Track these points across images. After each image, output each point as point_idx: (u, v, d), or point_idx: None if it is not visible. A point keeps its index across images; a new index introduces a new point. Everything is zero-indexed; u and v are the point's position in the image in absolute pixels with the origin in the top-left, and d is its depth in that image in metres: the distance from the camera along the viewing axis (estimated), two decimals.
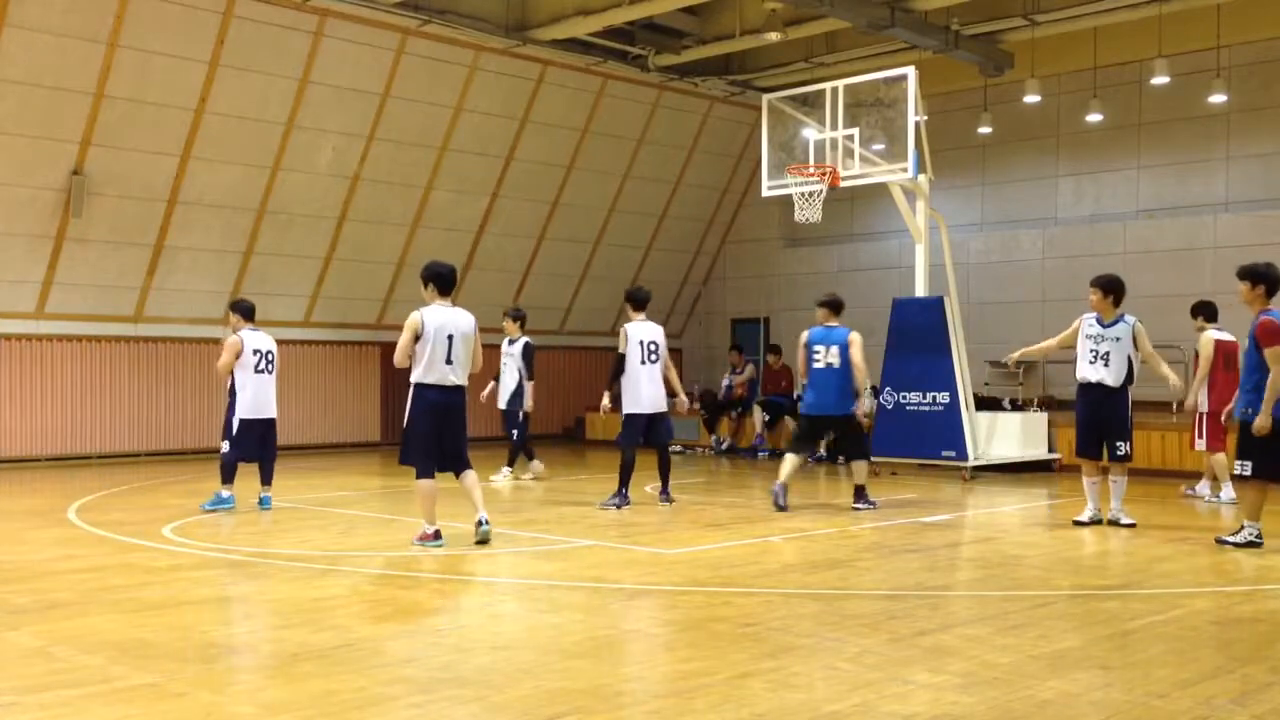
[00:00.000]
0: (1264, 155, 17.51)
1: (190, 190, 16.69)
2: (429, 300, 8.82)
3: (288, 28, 16.28)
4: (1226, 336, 11.72)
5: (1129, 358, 9.87)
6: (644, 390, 11.25)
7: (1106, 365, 9.85)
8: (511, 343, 13.74)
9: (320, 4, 16.03)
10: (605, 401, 11.95)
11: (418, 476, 8.68)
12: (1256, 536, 8.72)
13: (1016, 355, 11.02)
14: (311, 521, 10.35)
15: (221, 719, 4.60)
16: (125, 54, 15.27)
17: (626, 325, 11.48)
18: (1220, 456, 11.62)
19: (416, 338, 8.56)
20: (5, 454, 16.20)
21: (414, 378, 8.57)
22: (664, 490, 11.57)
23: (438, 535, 8.65)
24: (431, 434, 8.59)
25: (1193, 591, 7.30)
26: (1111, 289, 10.00)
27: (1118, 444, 9.91)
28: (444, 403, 8.60)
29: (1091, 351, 9.93)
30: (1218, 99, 16.88)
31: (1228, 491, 11.62)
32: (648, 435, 11.38)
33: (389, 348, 19.85)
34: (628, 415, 11.31)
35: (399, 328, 18.68)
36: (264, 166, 17.15)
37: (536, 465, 14.02)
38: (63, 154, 15.56)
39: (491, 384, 14.12)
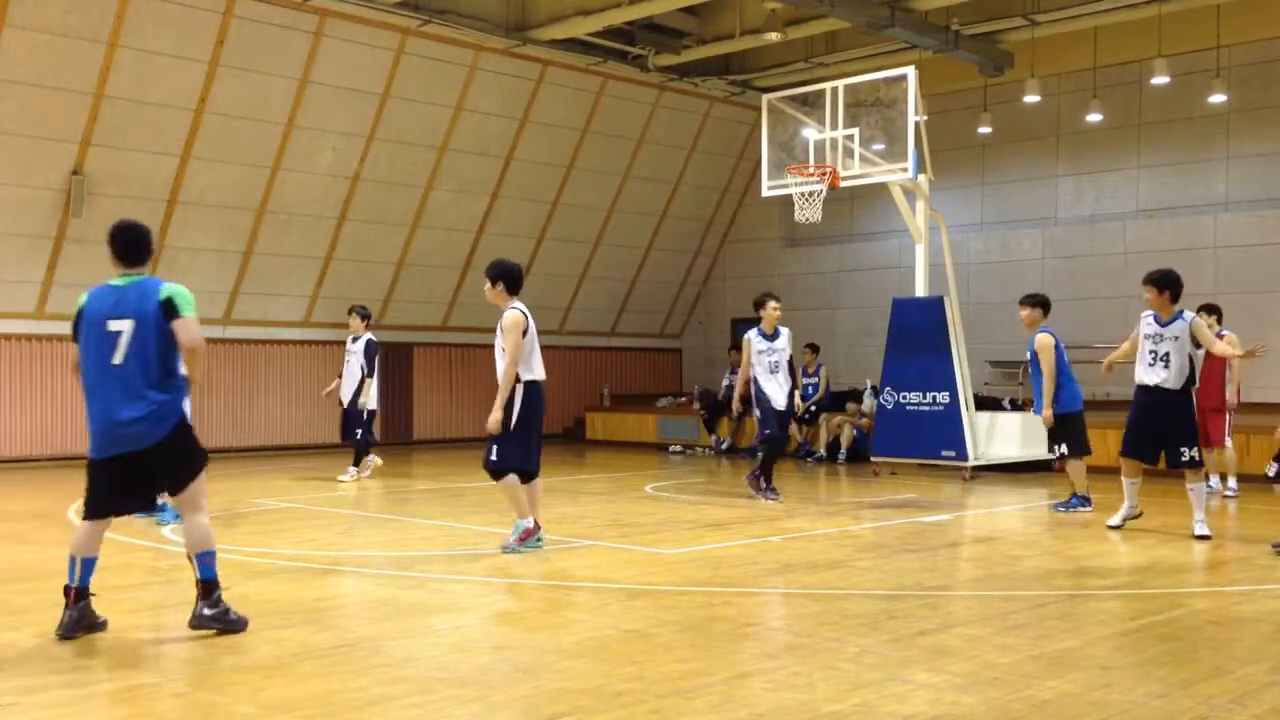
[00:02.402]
0: (1264, 155, 17.50)
1: (190, 190, 16.69)
2: (497, 300, 8.64)
3: (288, 28, 16.28)
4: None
5: (1190, 357, 9.29)
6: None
7: (1166, 366, 9.27)
8: (355, 340, 14.03)
9: (320, 4, 16.03)
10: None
11: (507, 475, 8.51)
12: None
13: (1109, 360, 10.01)
14: (311, 521, 10.35)
15: (221, 719, 4.60)
16: (125, 54, 15.27)
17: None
18: (1230, 451, 12.25)
19: (524, 334, 8.51)
20: (5, 454, 16.19)
21: (525, 376, 8.50)
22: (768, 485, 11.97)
23: (538, 527, 8.59)
24: (536, 431, 8.65)
25: (1193, 591, 7.31)
26: (1166, 285, 9.39)
27: (1182, 450, 9.25)
28: (544, 398, 8.69)
29: (1150, 353, 9.36)
30: (1218, 99, 16.86)
31: (1232, 483, 12.28)
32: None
33: (389, 348, 19.85)
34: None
35: (399, 328, 18.77)
36: (264, 166, 17.15)
37: (375, 460, 14.33)
38: (63, 154, 15.56)
39: (336, 381, 14.35)
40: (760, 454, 12.18)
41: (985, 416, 15.03)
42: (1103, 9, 16.40)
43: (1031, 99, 17.78)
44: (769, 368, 11.73)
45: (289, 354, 18.87)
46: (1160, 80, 16.70)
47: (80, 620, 5.81)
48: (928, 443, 14.28)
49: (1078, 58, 17.94)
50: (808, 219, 14.52)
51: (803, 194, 14.44)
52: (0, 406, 16.30)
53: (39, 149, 15.37)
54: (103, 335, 5.78)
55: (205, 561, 5.90)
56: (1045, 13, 16.69)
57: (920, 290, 14.96)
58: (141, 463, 5.84)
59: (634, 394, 22.70)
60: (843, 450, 16.96)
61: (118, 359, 5.74)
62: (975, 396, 14.99)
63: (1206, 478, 12.79)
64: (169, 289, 5.85)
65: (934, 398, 14.36)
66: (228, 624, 5.86)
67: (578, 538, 9.24)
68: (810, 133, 14.71)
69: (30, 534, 9.62)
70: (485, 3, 17.02)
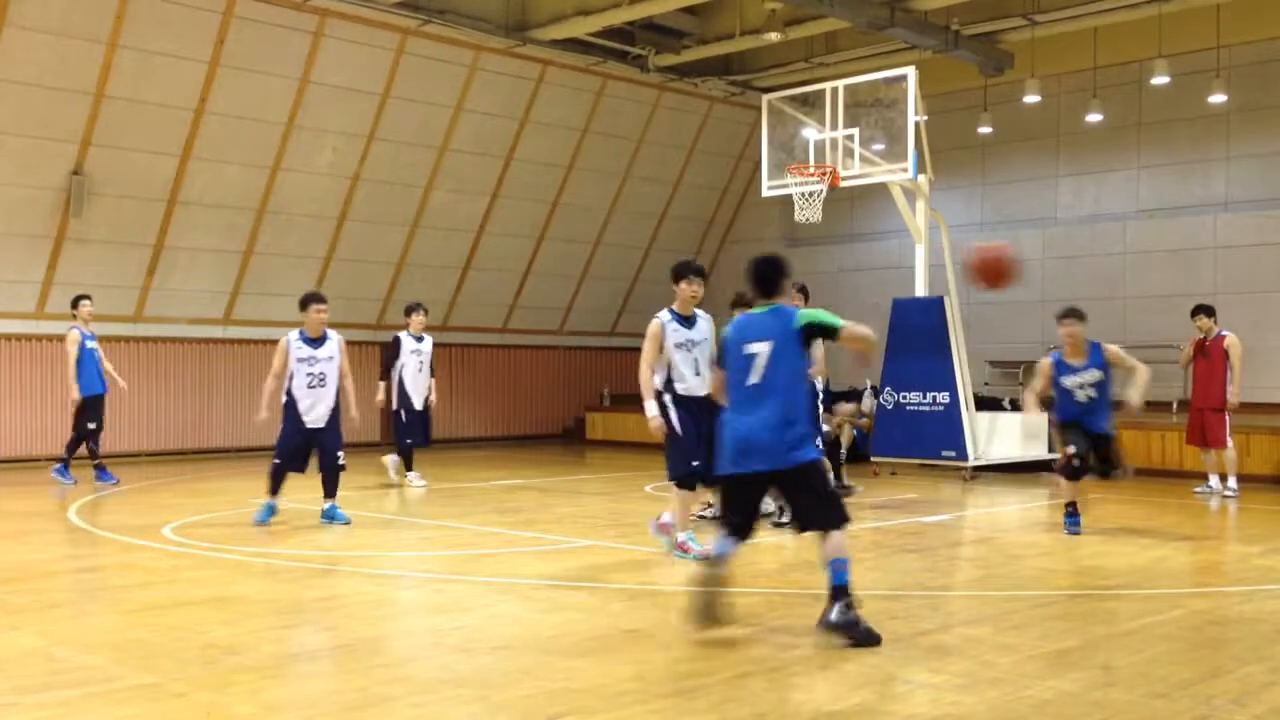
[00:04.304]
0: (1264, 155, 17.50)
1: (190, 190, 16.69)
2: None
3: (288, 28, 16.28)
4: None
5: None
6: None
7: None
8: (421, 339, 13.73)
9: (320, 4, 16.03)
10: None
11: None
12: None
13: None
14: (312, 522, 10.35)
15: (221, 719, 4.60)
16: (125, 54, 15.26)
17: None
18: (1231, 451, 12.34)
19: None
20: (5, 454, 16.19)
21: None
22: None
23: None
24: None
25: (1193, 591, 7.30)
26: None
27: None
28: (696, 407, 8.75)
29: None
30: (1218, 99, 16.86)
31: (1232, 483, 12.31)
32: None
33: (389, 348, 19.82)
34: None
35: (399, 328, 18.91)
36: (264, 166, 17.15)
37: (394, 460, 13.87)
38: (63, 154, 15.56)
39: (382, 384, 13.69)
40: None
41: (985, 416, 15.02)
42: (1103, 9, 16.39)
43: (1031, 99, 17.79)
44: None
45: None
46: (1160, 80, 16.71)
47: (716, 609, 5.88)
48: (928, 443, 14.28)
49: (1078, 58, 17.94)
50: (808, 219, 14.52)
51: (803, 194, 14.45)
52: (0, 406, 16.30)
53: (39, 149, 15.36)
54: (739, 357, 5.99)
55: (837, 569, 5.77)
56: (1045, 13, 16.69)
57: (920, 290, 14.96)
58: (763, 484, 5.99)
59: (634, 394, 22.52)
60: (843, 450, 16.93)
61: (753, 379, 5.91)
62: (975, 396, 14.99)
63: (1206, 478, 12.82)
64: (807, 314, 5.93)
65: (934, 398, 14.36)
66: (855, 634, 5.59)
67: (578, 538, 9.24)
68: (810, 133, 14.72)
69: (30, 534, 9.62)
70: (485, 3, 17.02)
